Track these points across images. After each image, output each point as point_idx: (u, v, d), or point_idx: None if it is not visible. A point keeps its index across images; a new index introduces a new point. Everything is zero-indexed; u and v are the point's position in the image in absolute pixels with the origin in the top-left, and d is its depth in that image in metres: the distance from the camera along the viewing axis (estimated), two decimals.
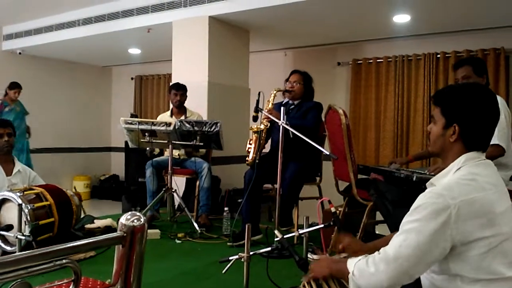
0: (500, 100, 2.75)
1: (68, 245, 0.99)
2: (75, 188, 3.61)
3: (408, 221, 1.40)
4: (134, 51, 7.07)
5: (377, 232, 3.86)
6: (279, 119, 3.34)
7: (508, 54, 5.11)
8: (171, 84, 4.94)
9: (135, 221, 1.11)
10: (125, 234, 1.10)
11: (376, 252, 1.44)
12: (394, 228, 1.49)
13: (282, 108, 3.39)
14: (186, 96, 4.77)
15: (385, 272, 1.37)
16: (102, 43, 6.52)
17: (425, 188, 1.54)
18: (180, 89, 4.72)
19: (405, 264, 1.36)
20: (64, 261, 0.98)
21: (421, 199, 1.41)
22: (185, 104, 4.79)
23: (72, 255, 1.02)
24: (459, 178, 1.43)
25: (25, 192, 3.18)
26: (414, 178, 2.74)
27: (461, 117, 1.47)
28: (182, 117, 4.59)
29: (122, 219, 1.12)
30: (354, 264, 1.46)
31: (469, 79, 2.99)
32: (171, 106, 4.88)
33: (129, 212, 1.13)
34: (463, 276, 1.37)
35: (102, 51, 7.19)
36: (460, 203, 1.34)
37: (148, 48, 6.84)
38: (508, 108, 3.04)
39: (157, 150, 4.79)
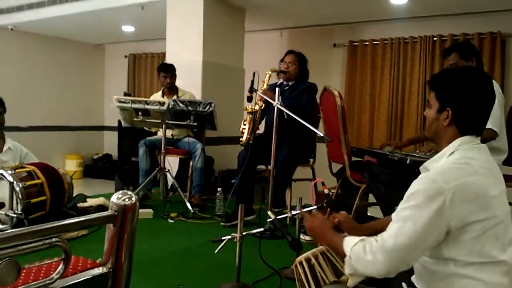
0: (493, 84, 2.74)
1: (58, 224, 0.98)
2: (71, 178, 3.58)
3: (403, 208, 1.40)
4: (128, 28, 6.97)
5: (369, 214, 3.89)
6: (274, 100, 3.31)
7: (505, 38, 5.09)
8: (159, 65, 4.86)
9: (127, 200, 1.09)
10: (116, 213, 1.08)
11: (373, 239, 1.42)
12: (387, 210, 1.49)
13: (276, 88, 3.36)
14: (176, 76, 4.70)
15: (383, 261, 1.37)
16: (95, 20, 6.42)
17: (418, 171, 1.53)
18: (169, 71, 4.64)
19: (403, 252, 1.36)
20: (53, 239, 0.97)
21: (415, 185, 1.40)
22: (176, 83, 4.73)
23: (63, 234, 1.01)
24: (452, 162, 1.43)
25: (17, 170, 3.16)
26: (408, 161, 2.74)
27: (454, 101, 1.47)
28: (174, 97, 4.54)
29: (113, 198, 1.10)
30: (350, 248, 1.45)
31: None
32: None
33: (121, 191, 1.12)
34: (456, 259, 1.37)
35: (95, 28, 7.09)
36: (454, 188, 1.34)
37: (142, 26, 6.74)
38: (501, 92, 3.04)
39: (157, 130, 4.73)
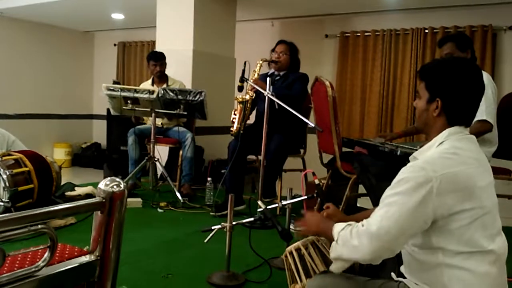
0: (486, 75, 2.74)
1: (44, 210, 0.95)
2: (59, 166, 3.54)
3: (390, 195, 1.40)
4: (117, 16, 6.88)
5: (358, 205, 3.90)
6: (265, 90, 3.29)
7: (496, 32, 5.10)
8: (148, 54, 4.81)
9: (115, 187, 1.07)
10: (104, 200, 1.06)
11: (360, 224, 1.43)
12: (377, 201, 1.48)
13: (268, 78, 3.34)
14: (166, 64, 4.66)
15: (368, 246, 1.37)
16: (84, 7, 6.32)
17: (409, 162, 1.53)
18: (159, 59, 4.59)
19: (387, 238, 1.36)
20: (39, 226, 0.95)
21: (403, 172, 1.40)
22: (166, 72, 4.69)
23: (50, 222, 0.99)
24: (441, 152, 1.43)
25: (4, 158, 3.12)
26: (398, 153, 2.74)
27: (443, 92, 1.46)
28: (164, 86, 4.50)
29: (101, 185, 1.08)
30: (338, 233, 1.46)
31: (453, 56, 2.97)
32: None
33: (109, 178, 1.10)
34: (444, 249, 1.37)
35: (85, 16, 6.98)
36: (441, 177, 1.34)
37: (131, 13, 6.66)
38: (494, 83, 3.04)
39: (146, 120, 4.69)
